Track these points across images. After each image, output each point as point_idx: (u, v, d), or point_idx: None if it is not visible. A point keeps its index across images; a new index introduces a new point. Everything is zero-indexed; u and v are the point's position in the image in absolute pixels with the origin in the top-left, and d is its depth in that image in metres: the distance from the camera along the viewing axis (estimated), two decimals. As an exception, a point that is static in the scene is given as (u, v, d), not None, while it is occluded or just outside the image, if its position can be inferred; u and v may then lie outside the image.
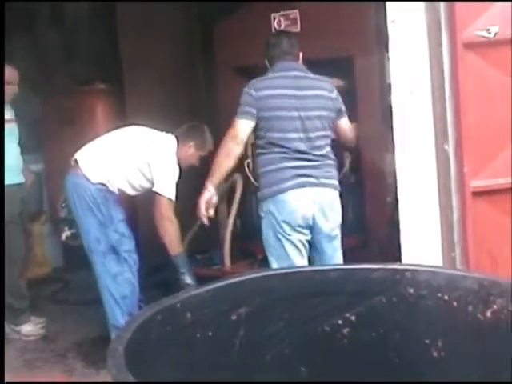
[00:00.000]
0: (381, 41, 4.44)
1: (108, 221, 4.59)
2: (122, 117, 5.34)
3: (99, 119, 6.05)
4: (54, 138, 6.29)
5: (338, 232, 4.27)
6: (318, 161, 4.18)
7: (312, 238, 4.20)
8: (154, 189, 4.57)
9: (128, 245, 4.65)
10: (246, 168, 5.39)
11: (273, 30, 5.25)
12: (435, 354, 2.42)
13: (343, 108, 4.39)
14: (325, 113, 4.22)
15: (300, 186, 4.10)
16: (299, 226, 4.12)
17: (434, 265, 3.27)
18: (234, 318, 2.38)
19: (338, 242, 4.29)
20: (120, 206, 4.71)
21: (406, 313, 2.46)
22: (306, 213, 4.11)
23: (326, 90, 4.26)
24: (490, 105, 3.62)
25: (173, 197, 4.55)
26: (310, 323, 2.48)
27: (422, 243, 3.73)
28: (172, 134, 4.81)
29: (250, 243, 5.57)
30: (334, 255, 4.27)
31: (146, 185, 4.66)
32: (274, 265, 4.17)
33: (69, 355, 4.69)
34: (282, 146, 4.12)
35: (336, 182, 4.25)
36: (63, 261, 6.53)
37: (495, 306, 2.29)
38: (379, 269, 2.51)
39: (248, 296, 2.41)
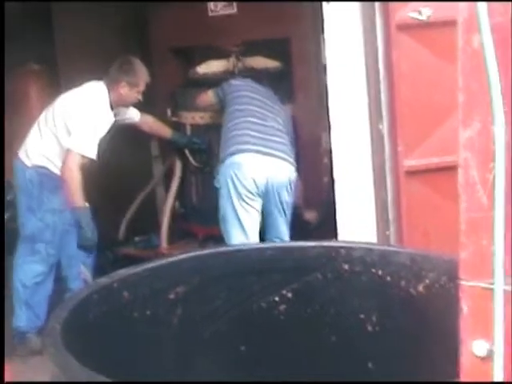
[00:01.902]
0: (317, 22, 4.47)
1: (36, 207, 4.46)
2: (56, 97, 5.25)
3: (33, 101, 5.94)
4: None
5: (288, 206, 4.47)
6: (276, 136, 4.48)
7: (264, 207, 4.41)
8: (66, 144, 4.35)
9: (48, 237, 4.51)
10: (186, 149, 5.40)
11: (209, 12, 5.23)
12: (370, 328, 2.47)
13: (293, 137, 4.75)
14: (283, 120, 4.66)
15: (256, 152, 4.36)
16: (254, 191, 4.32)
17: (368, 241, 3.33)
18: (171, 296, 2.39)
19: (287, 215, 4.48)
20: (60, 196, 4.52)
21: (342, 289, 2.51)
22: (260, 179, 4.32)
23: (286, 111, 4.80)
24: (424, 85, 3.68)
25: (86, 153, 4.33)
26: (247, 301, 2.51)
27: (357, 222, 3.78)
28: (102, 79, 4.60)
29: (189, 224, 5.58)
30: (283, 228, 4.47)
31: None
32: (230, 237, 4.36)
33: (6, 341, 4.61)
34: (243, 117, 4.51)
35: (292, 159, 4.45)
36: None
37: (427, 281, 2.36)
38: (315, 246, 2.55)
39: (185, 275, 2.43)
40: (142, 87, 4.65)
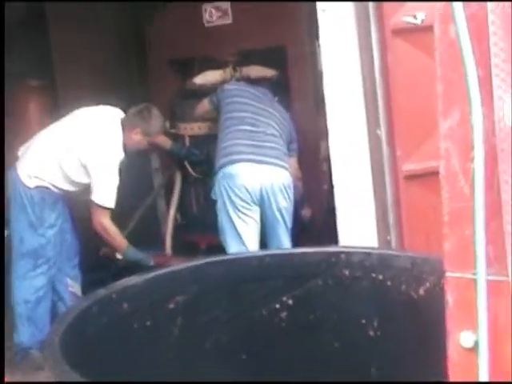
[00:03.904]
0: (312, 30, 4.47)
1: (38, 223, 4.44)
2: (55, 113, 5.24)
3: (32, 116, 5.95)
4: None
5: (288, 213, 4.43)
6: (268, 141, 4.45)
7: (263, 215, 4.39)
8: (91, 197, 4.40)
9: (50, 252, 4.50)
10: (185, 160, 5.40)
11: (205, 22, 5.25)
12: (372, 333, 2.46)
13: (294, 137, 4.67)
14: (277, 123, 4.60)
15: (247, 161, 4.34)
16: (249, 200, 4.31)
17: (367, 246, 3.32)
18: (171, 306, 2.38)
19: (288, 223, 4.45)
20: (58, 210, 4.55)
21: (342, 294, 2.50)
22: (253, 187, 4.31)
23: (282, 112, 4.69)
24: (420, 89, 3.66)
25: (109, 205, 4.40)
26: (248, 309, 2.50)
27: (357, 228, 3.77)
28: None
29: (192, 235, 5.57)
30: (285, 235, 4.45)
31: (86, 180, 4.46)
32: (229, 248, 4.35)
33: (6, 354, 4.59)
34: (234, 125, 4.49)
35: (285, 164, 4.44)
36: None
37: (428, 284, 2.35)
38: (314, 252, 2.54)
39: (184, 284, 2.42)
40: (153, 138, 4.76)
